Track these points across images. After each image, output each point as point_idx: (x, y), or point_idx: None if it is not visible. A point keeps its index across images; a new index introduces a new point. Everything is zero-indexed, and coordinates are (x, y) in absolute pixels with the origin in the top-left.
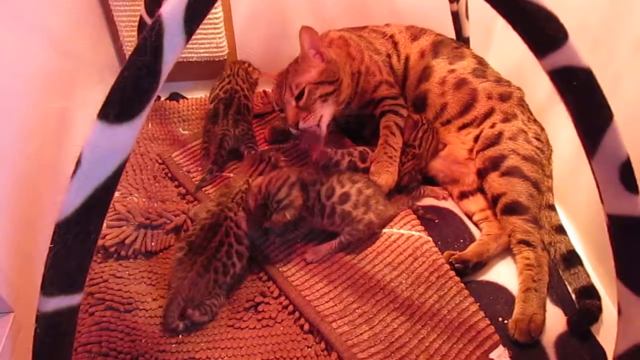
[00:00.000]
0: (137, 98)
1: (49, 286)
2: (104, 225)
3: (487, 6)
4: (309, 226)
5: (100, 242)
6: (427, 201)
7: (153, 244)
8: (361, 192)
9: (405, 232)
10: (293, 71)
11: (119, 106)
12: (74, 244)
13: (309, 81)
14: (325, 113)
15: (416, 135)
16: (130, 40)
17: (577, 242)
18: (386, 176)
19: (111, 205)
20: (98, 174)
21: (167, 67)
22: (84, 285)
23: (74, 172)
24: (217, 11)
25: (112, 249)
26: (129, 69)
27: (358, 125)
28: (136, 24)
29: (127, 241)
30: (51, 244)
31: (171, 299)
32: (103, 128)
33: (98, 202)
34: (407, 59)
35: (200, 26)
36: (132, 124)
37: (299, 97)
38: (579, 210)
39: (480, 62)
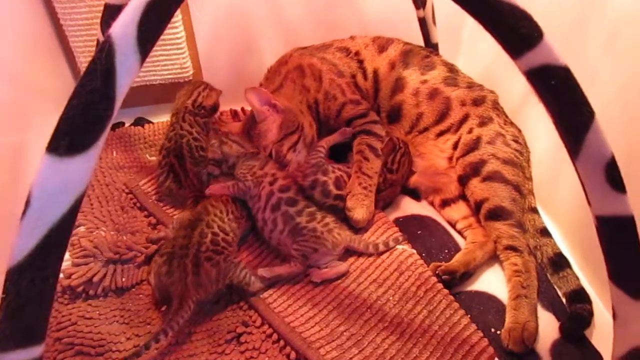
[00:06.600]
0: (90, 127)
1: (4, 341)
2: (70, 263)
3: (454, 10)
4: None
5: (66, 282)
6: (408, 211)
7: (124, 279)
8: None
9: None
10: (256, 135)
11: (70, 137)
12: (30, 291)
13: (273, 140)
14: (300, 158)
15: (394, 159)
16: None
17: (562, 244)
18: (362, 210)
19: (76, 241)
20: (52, 213)
21: (121, 91)
22: (44, 335)
23: (24, 212)
24: (178, 31)
25: (80, 289)
26: (78, 95)
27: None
28: (94, 49)
29: (95, 279)
30: (3, 293)
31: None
32: (53, 162)
33: (54, 243)
34: (375, 72)
35: (162, 47)
36: (86, 156)
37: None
38: (562, 212)
39: (451, 69)
